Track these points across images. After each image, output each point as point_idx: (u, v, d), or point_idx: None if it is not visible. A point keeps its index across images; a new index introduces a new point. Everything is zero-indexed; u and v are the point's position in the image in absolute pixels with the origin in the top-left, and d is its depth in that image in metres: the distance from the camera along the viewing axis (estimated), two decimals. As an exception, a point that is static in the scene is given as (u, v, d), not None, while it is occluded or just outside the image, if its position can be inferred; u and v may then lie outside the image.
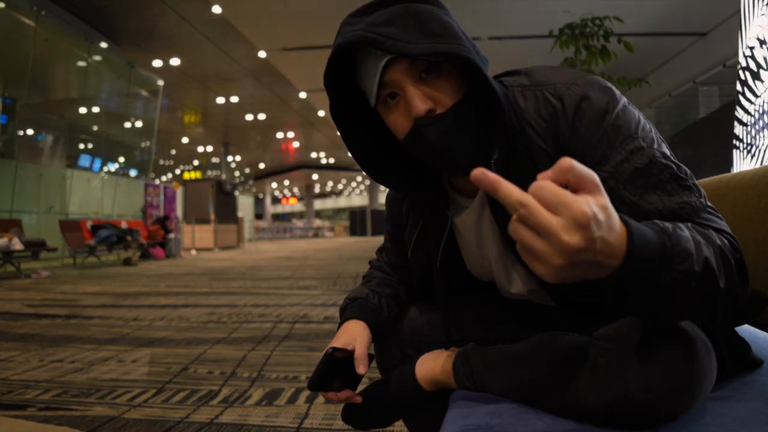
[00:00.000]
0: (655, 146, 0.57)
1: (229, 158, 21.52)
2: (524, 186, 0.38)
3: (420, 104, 0.59)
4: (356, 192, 41.63)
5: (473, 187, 0.70)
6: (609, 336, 0.54)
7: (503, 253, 0.71)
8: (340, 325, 0.84)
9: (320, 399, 1.64)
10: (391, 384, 0.79)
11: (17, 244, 6.51)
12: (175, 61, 11.27)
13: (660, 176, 0.55)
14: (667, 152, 0.57)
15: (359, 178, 33.67)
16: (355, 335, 0.78)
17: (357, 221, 26.43)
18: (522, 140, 0.62)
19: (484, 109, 0.62)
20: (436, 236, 0.75)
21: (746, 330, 0.89)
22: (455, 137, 0.60)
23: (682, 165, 0.57)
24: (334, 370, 0.74)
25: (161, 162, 23.61)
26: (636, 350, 0.51)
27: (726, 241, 0.52)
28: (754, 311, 0.68)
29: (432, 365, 0.75)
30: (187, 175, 24.34)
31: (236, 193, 15.89)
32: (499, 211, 0.64)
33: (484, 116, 0.62)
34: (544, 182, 0.38)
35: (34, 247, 7.14)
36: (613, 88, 0.61)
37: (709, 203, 0.57)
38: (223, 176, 19.45)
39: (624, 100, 0.60)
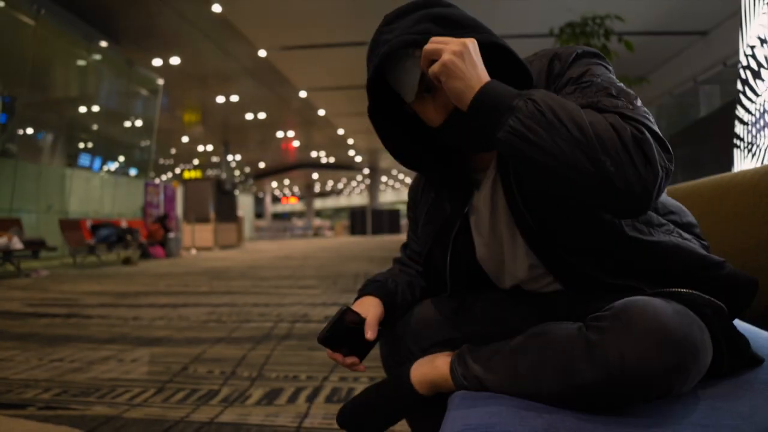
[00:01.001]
0: (607, 84, 0.66)
1: (229, 157, 21.50)
2: None
3: None
4: (356, 191, 41.62)
5: (487, 163, 0.78)
6: (602, 316, 0.57)
7: (511, 223, 0.76)
8: (355, 300, 0.87)
9: (320, 399, 1.64)
10: (385, 388, 0.79)
11: (17, 244, 6.51)
12: (174, 60, 11.25)
13: (596, 93, 0.65)
14: (617, 88, 0.65)
15: (359, 177, 33.67)
16: (368, 307, 0.82)
17: (357, 220, 26.42)
18: None
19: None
20: (454, 212, 0.81)
21: (748, 329, 0.89)
22: None
23: (625, 90, 0.65)
24: (345, 337, 0.77)
25: (161, 161, 23.59)
26: (629, 327, 0.54)
27: (630, 126, 0.58)
28: (746, 297, 0.70)
29: (427, 369, 0.76)
30: (187, 174, 24.32)
31: (236, 192, 15.90)
32: (507, 179, 0.73)
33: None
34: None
35: (34, 247, 7.15)
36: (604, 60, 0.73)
37: (640, 105, 0.63)
38: (223, 175, 19.45)
39: (605, 66, 0.71)
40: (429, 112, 0.71)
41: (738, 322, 0.92)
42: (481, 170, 0.80)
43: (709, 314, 0.61)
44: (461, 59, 0.62)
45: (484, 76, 0.63)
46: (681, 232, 0.75)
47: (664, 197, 0.79)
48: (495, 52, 0.69)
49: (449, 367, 0.72)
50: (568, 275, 0.73)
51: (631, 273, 0.69)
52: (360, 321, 0.78)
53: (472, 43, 0.63)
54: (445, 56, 0.62)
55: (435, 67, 0.63)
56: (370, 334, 0.77)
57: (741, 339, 0.66)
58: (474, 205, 0.81)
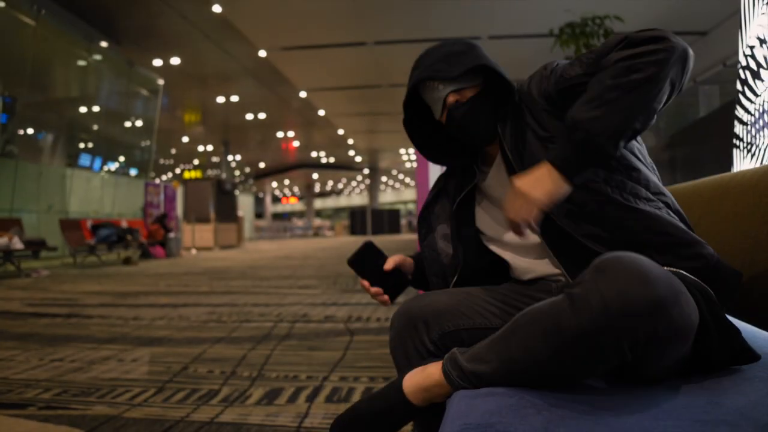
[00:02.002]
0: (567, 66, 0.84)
1: (229, 157, 21.48)
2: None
3: (452, 98, 0.92)
4: (356, 191, 41.62)
5: (493, 159, 0.96)
6: (582, 274, 0.62)
7: None
8: None
9: (320, 399, 1.64)
10: (379, 402, 0.79)
11: (17, 243, 6.51)
12: (175, 60, 11.25)
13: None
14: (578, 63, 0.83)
15: (359, 177, 33.67)
16: (394, 255, 1.01)
17: (357, 220, 26.43)
18: (527, 109, 0.88)
19: (498, 98, 0.93)
20: (461, 186, 0.99)
21: (746, 329, 0.89)
22: (471, 117, 0.91)
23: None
24: (372, 269, 0.97)
25: (161, 161, 23.58)
26: (607, 272, 0.58)
27: (622, 44, 0.74)
28: (730, 288, 0.75)
29: (419, 378, 0.76)
30: (187, 174, 24.32)
31: (236, 192, 15.90)
32: (509, 165, 0.89)
33: (499, 100, 0.93)
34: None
35: (34, 247, 7.15)
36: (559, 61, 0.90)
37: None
38: (223, 175, 19.44)
39: (562, 62, 0.89)
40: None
41: (738, 322, 0.92)
42: (489, 165, 0.97)
43: (695, 294, 0.64)
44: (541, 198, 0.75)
45: (545, 166, 0.75)
46: (670, 212, 0.80)
47: (658, 183, 0.84)
48: (486, 69, 0.91)
49: (442, 373, 0.72)
50: (558, 240, 0.82)
51: (614, 241, 0.77)
52: (383, 256, 0.97)
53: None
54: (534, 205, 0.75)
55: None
56: (390, 264, 0.97)
57: (732, 328, 0.67)
58: (484, 190, 0.98)
